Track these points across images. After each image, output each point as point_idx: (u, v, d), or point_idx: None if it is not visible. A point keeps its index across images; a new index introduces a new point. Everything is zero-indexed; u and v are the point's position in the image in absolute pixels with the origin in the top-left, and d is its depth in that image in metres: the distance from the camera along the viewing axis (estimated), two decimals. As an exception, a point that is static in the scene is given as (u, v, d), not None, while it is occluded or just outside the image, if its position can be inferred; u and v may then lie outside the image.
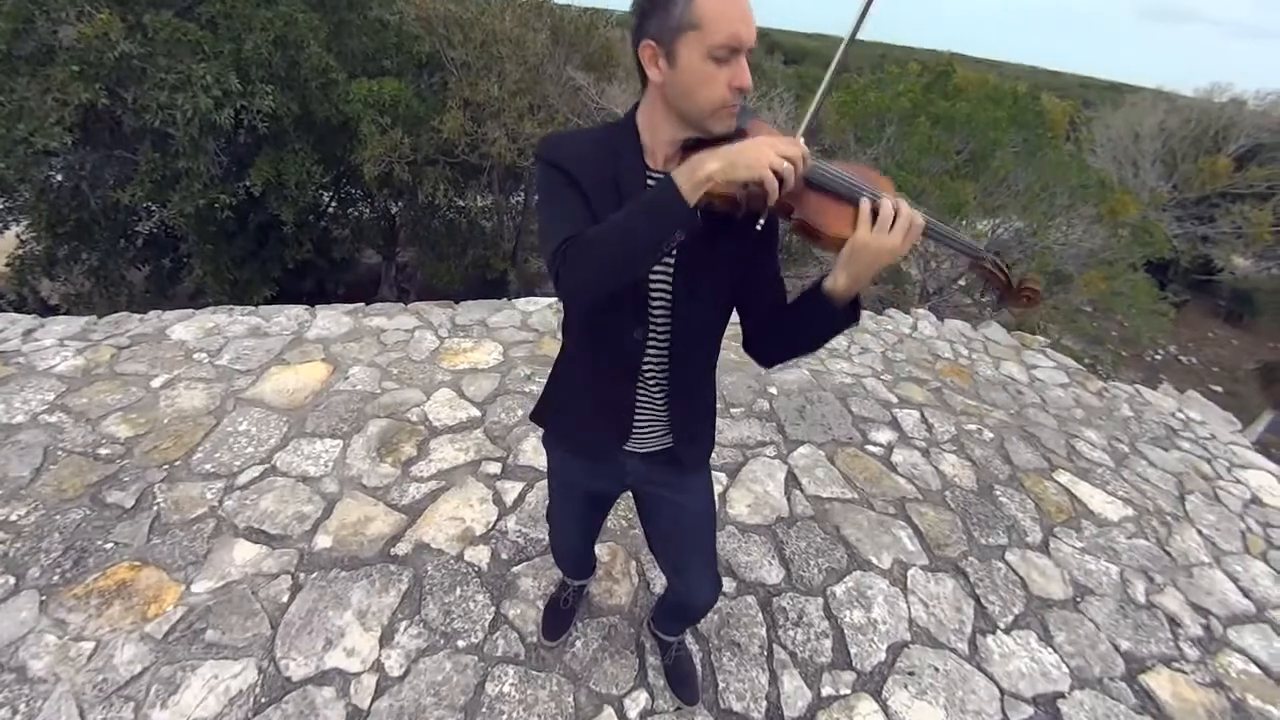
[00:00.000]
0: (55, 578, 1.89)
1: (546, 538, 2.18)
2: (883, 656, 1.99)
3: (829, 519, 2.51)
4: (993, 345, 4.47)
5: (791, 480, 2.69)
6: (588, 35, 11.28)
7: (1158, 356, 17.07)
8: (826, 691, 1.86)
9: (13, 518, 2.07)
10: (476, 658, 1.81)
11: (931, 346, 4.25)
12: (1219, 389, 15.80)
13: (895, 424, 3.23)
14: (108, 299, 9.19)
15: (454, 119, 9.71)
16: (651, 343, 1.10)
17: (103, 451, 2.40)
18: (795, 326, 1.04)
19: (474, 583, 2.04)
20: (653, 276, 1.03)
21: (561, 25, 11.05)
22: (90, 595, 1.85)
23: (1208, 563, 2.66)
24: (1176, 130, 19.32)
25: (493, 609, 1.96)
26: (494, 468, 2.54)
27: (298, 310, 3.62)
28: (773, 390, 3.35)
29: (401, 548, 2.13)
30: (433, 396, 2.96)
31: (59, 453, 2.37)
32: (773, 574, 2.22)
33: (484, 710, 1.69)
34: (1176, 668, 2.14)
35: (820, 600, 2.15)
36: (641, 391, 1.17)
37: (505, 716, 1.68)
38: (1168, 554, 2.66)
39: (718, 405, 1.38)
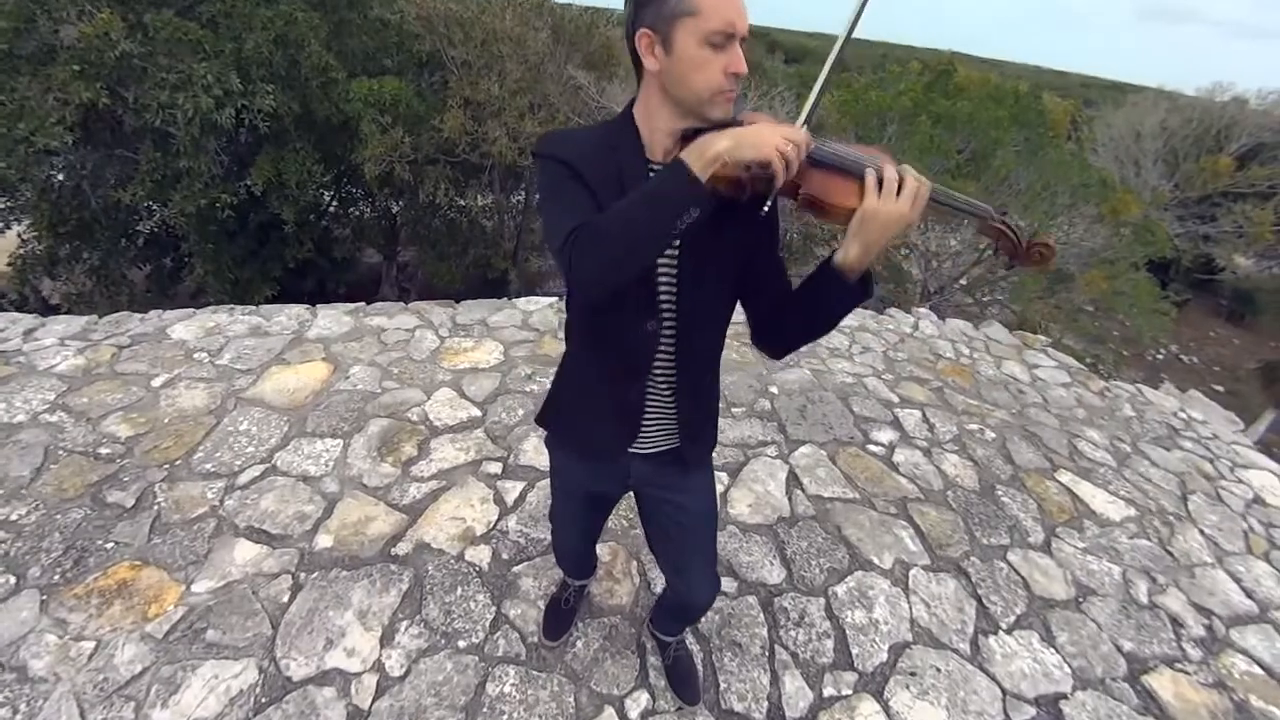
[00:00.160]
0: (56, 577, 1.89)
1: (547, 537, 2.18)
2: (884, 657, 1.98)
3: (830, 519, 2.50)
4: (994, 345, 4.46)
5: (793, 480, 2.69)
6: (588, 34, 11.25)
7: (1159, 356, 17.04)
8: (828, 692, 1.86)
9: (13, 517, 2.07)
10: (477, 658, 1.81)
11: (933, 346, 4.24)
12: (1221, 388, 15.77)
13: (897, 424, 3.22)
14: (109, 298, 9.19)
15: (454, 118, 9.70)
16: (659, 337, 1.09)
17: (103, 451, 2.40)
18: (806, 307, 1.03)
19: (475, 583, 2.04)
20: (658, 267, 1.02)
21: (562, 24, 11.03)
22: (91, 595, 1.85)
23: (1210, 563, 2.65)
24: (1178, 129, 19.27)
25: (493, 609, 1.96)
26: (495, 467, 2.54)
27: (298, 310, 3.62)
28: (774, 390, 3.35)
29: (402, 547, 2.13)
30: (433, 396, 2.96)
31: (59, 452, 2.37)
32: (774, 574, 2.22)
33: (485, 710, 1.68)
34: (1179, 668, 2.14)
35: (822, 600, 2.14)
36: (650, 390, 1.16)
37: (506, 717, 1.67)
38: (1170, 554, 2.65)
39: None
